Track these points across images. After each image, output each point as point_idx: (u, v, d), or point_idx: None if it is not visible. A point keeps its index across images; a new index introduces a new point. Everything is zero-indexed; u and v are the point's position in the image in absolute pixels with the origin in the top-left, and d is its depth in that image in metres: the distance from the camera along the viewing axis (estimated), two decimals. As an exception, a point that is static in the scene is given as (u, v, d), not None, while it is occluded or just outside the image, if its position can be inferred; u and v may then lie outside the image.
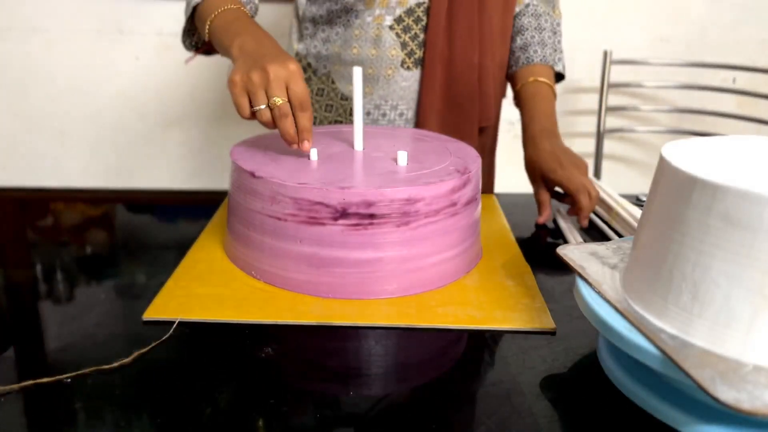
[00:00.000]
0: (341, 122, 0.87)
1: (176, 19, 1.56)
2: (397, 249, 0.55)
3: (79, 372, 0.44)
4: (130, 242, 0.73)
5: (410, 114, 0.87)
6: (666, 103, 1.62)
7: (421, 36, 0.83)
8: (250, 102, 0.59)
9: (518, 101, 0.90)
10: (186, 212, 0.83)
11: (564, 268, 0.50)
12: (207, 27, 0.70)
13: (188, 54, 0.84)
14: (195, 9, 0.74)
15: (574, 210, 0.75)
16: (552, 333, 0.51)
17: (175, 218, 0.81)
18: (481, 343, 0.51)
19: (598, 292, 0.44)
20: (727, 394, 0.33)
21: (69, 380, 0.44)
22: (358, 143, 0.65)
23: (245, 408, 0.41)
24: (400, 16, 0.82)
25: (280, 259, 0.56)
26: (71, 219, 0.80)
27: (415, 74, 0.85)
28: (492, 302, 0.55)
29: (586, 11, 1.55)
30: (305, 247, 0.55)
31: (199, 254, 0.63)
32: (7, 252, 0.71)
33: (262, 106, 0.58)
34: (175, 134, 1.65)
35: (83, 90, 1.60)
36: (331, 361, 0.48)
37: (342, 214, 0.53)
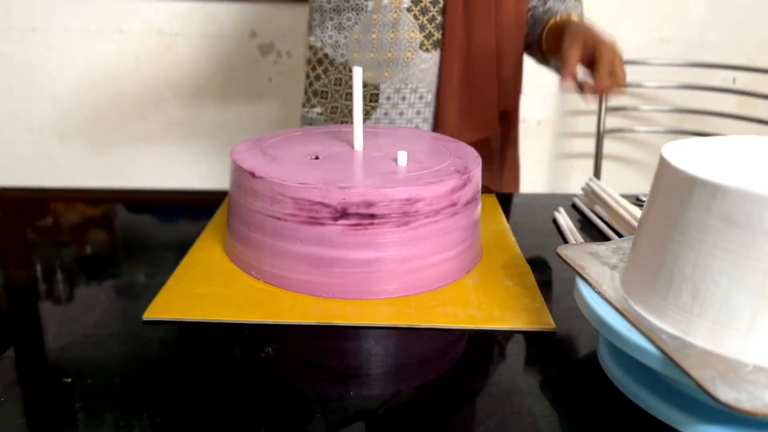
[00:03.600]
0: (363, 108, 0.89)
1: (176, 19, 1.56)
2: (397, 249, 0.55)
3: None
4: (130, 242, 0.73)
5: (430, 97, 0.88)
6: (666, 103, 1.62)
7: (439, 18, 0.84)
8: None
9: (544, 42, 0.89)
10: (186, 212, 0.83)
11: (564, 268, 0.50)
12: None
13: None
14: None
15: (590, 83, 0.73)
16: (552, 333, 0.51)
17: (175, 218, 0.81)
18: (480, 343, 0.51)
19: (598, 292, 0.44)
20: (727, 394, 0.33)
21: (69, 380, 0.44)
22: (358, 143, 0.65)
23: (245, 408, 0.41)
24: None
25: (280, 259, 0.56)
26: (71, 219, 0.80)
27: (434, 56, 0.86)
28: (492, 302, 0.55)
29: (587, 11, 1.55)
30: (305, 247, 0.55)
31: (199, 254, 0.63)
32: (7, 252, 0.71)
33: None
34: (175, 134, 1.65)
35: (83, 90, 1.60)
36: (331, 361, 0.48)
37: (342, 214, 0.53)
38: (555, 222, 0.77)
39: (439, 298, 0.56)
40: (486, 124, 0.89)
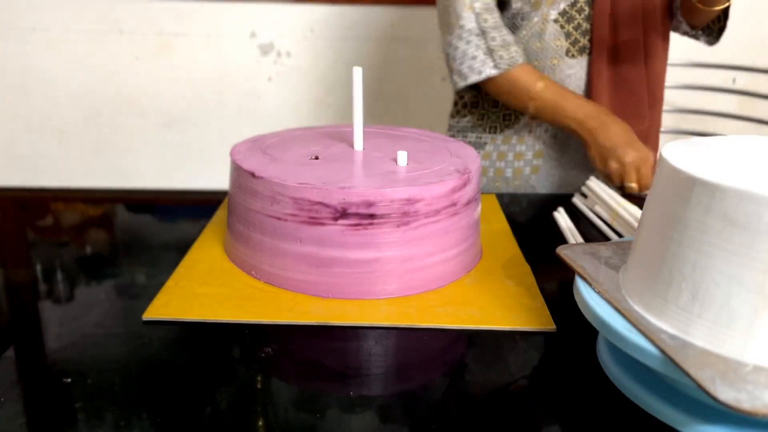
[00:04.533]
0: (509, 114, 0.97)
1: (176, 19, 1.56)
2: (397, 249, 0.55)
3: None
4: (130, 242, 0.73)
5: None
6: (666, 103, 1.61)
7: (585, 25, 0.88)
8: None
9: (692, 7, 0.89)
10: (186, 212, 0.83)
11: (564, 268, 0.50)
12: (530, 103, 0.86)
13: None
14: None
15: None
16: (552, 333, 0.51)
17: (175, 218, 0.81)
18: (481, 343, 0.51)
19: (598, 292, 0.44)
20: (727, 394, 0.33)
21: (69, 380, 0.44)
22: (358, 143, 0.65)
23: (245, 408, 0.41)
24: (564, 9, 0.87)
25: (280, 259, 0.56)
26: (71, 219, 0.80)
27: (580, 61, 0.90)
28: (492, 302, 0.55)
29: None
30: (305, 247, 0.55)
31: (199, 254, 0.63)
32: (7, 252, 0.71)
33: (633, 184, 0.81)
34: (175, 134, 1.65)
35: (83, 90, 1.60)
36: (331, 361, 0.48)
37: (342, 214, 0.53)
38: (555, 222, 0.77)
39: (439, 298, 0.56)
40: (638, 118, 0.92)
